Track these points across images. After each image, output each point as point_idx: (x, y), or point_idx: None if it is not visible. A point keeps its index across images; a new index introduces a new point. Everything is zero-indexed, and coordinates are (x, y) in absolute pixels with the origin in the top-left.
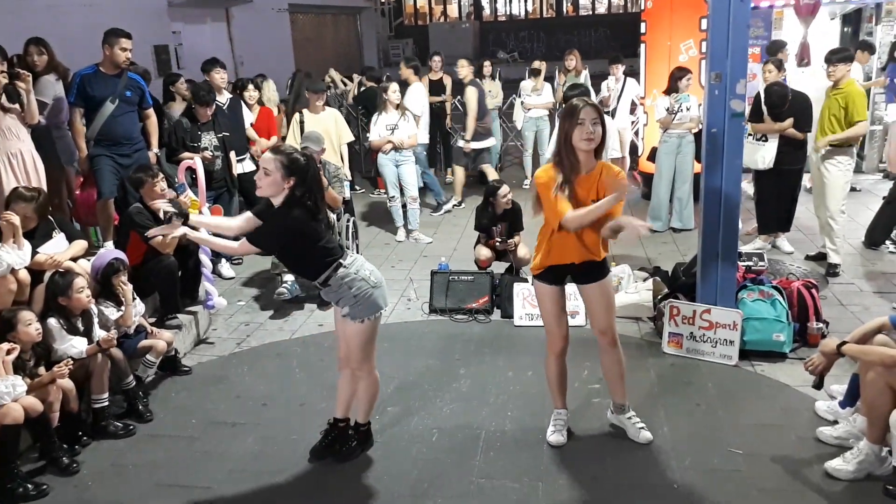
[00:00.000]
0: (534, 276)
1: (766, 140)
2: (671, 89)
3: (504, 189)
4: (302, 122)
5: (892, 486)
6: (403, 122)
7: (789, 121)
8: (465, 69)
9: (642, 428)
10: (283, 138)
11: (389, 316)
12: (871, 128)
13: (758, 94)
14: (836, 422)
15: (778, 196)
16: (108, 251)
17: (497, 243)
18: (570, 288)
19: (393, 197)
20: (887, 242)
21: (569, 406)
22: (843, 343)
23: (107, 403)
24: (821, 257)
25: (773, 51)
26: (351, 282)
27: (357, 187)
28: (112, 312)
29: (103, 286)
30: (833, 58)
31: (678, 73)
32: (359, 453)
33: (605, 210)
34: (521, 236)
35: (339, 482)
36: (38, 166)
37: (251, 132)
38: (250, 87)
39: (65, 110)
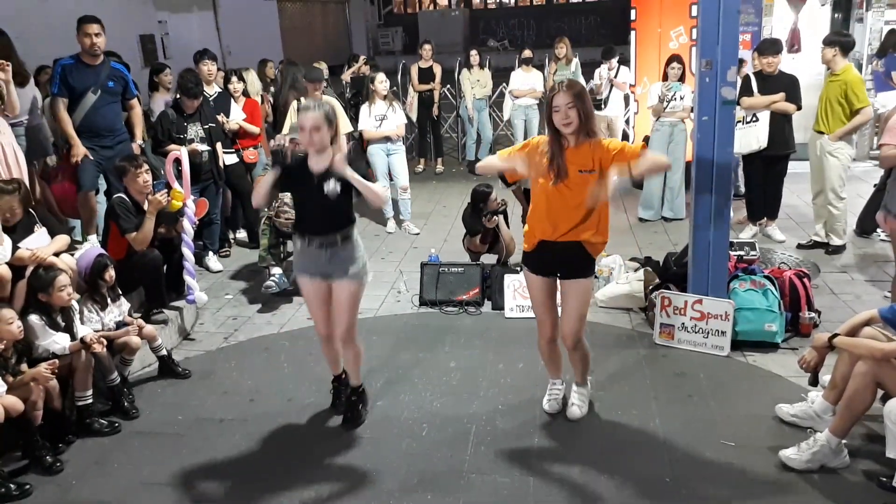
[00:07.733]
0: (522, 263)
1: (758, 120)
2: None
3: (493, 195)
4: (299, 111)
5: (885, 479)
6: (391, 113)
7: (781, 94)
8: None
9: (573, 405)
10: (274, 125)
11: (379, 309)
12: None
13: (746, 75)
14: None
15: (765, 182)
16: (92, 248)
17: (486, 220)
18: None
19: (384, 187)
20: (878, 230)
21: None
22: (835, 336)
23: (91, 401)
24: (813, 246)
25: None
26: (359, 242)
27: None
28: (93, 317)
29: (92, 286)
30: (824, 41)
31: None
32: (366, 413)
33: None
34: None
35: (327, 477)
36: (19, 159)
37: (246, 126)
38: (234, 78)
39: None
